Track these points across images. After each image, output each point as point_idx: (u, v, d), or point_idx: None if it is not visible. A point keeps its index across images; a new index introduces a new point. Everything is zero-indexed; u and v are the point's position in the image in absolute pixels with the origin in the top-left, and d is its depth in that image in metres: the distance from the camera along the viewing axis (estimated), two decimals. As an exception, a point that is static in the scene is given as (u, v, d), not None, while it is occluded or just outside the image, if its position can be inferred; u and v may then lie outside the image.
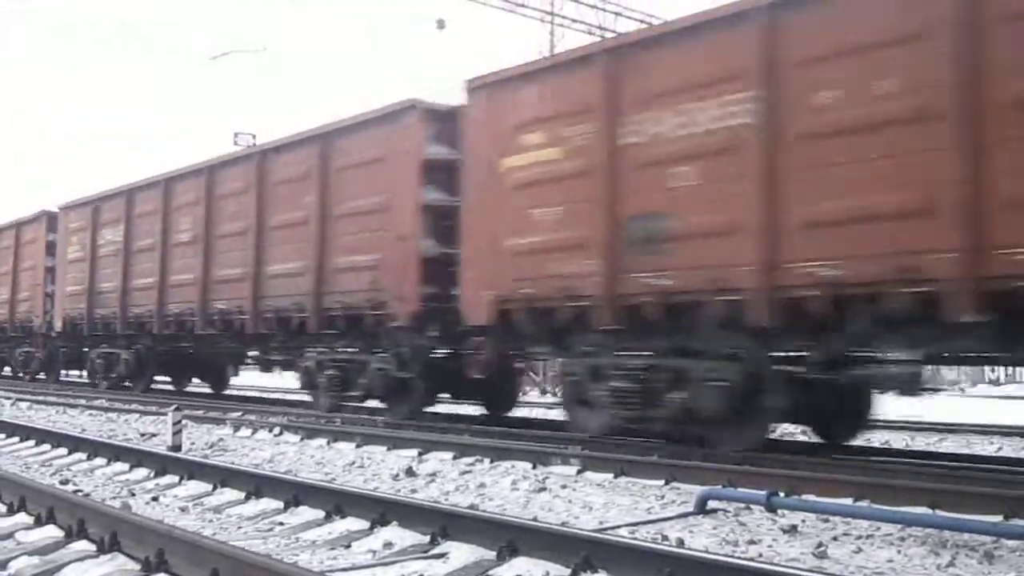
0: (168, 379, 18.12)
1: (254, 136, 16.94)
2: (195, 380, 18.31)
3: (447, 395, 12.06)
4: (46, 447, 8.62)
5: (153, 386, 17.29)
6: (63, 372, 20.51)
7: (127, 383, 17.09)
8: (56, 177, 65.37)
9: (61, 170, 68.73)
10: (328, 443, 9.36)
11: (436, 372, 11.23)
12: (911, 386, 7.19)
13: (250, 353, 14.85)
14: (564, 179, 9.05)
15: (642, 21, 24.33)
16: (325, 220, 12.11)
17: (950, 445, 10.21)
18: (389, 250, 11.13)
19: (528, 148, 9.37)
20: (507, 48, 37.07)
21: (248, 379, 18.72)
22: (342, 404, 12.08)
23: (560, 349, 9.47)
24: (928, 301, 6.56)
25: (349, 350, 11.97)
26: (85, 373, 19.01)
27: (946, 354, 7.59)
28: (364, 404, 11.99)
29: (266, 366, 14.19)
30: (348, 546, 4.60)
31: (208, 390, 17.85)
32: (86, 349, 18.41)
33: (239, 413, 12.14)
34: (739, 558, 4.25)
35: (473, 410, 12.39)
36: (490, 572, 4.05)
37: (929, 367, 7.69)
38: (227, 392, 17.70)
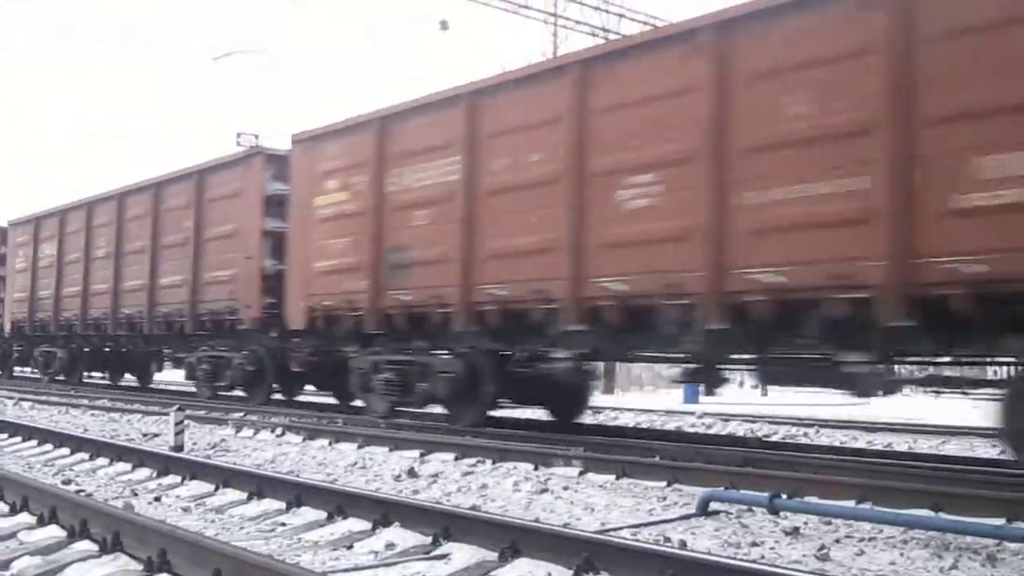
0: (101, 374, 20.62)
1: (256, 136, 16.95)
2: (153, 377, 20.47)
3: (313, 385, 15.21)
4: (48, 447, 8.63)
5: (98, 381, 20.10)
6: (16, 368, 22.91)
7: (63, 377, 19.70)
8: (56, 177, 65.55)
9: (61, 170, 68.95)
10: (330, 444, 9.36)
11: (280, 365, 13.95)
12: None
13: (150, 350, 17.77)
14: (350, 217, 11.72)
15: (645, 23, 24.36)
16: (199, 242, 15.14)
17: (953, 448, 10.21)
18: (241, 268, 14.06)
19: (329, 191, 12.12)
20: (509, 49, 37.06)
21: (176, 375, 19.66)
22: (216, 393, 14.96)
23: (363, 348, 11.75)
24: (550, 314, 9.35)
25: (219, 349, 14.76)
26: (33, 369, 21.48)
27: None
28: (232, 392, 14.92)
29: (159, 363, 17.77)
30: (350, 547, 4.60)
31: (137, 384, 20.11)
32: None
33: (241, 414, 12.17)
34: (741, 560, 4.25)
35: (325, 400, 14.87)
36: (492, 573, 4.05)
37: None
38: (151, 386, 19.88)
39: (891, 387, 7.75)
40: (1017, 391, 7.02)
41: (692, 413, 14.88)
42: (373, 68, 59.97)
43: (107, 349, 18.98)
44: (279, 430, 10.32)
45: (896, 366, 7.91)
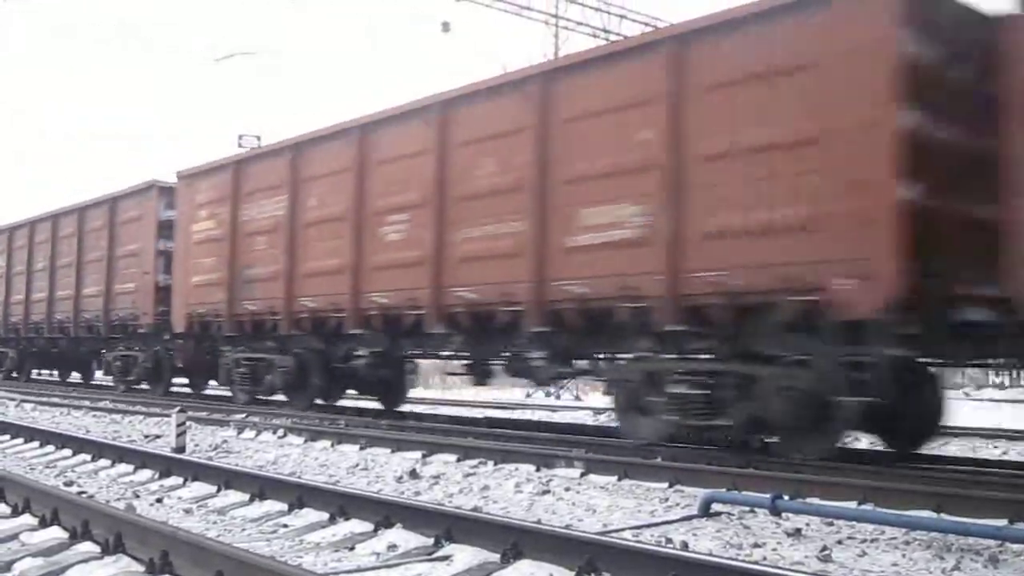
0: (48, 372, 23.24)
1: (258, 138, 17.02)
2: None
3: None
4: (50, 448, 8.64)
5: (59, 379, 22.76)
6: None
7: (14, 374, 22.49)
8: (56, 178, 65.66)
9: (61, 170, 69.04)
10: (332, 445, 9.37)
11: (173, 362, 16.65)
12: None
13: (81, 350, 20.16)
14: (215, 241, 14.33)
15: (646, 24, 24.36)
16: (111, 259, 17.90)
17: (955, 449, 10.19)
18: (141, 281, 16.84)
19: (201, 219, 14.80)
20: (511, 50, 37.05)
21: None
22: (131, 387, 17.57)
23: (232, 348, 14.27)
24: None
25: (129, 349, 17.60)
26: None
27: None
28: (139, 386, 17.52)
29: (99, 362, 20.02)
30: (352, 548, 4.61)
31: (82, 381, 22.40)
32: None
33: (243, 415, 12.19)
34: (743, 561, 4.25)
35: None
36: (494, 574, 4.05)
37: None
38: (93, 383, 21.83)
39: (557, 380, 11.71)
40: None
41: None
42: (374, 69, 60.10)
43: (55, 350, 21.04)
44: (281, 432, 10.32)
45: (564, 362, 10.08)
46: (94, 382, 21.79)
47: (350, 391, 13.88)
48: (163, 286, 16.12)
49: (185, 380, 17.52)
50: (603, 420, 12.53)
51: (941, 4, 7.61)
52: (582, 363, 10.06)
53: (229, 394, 14.75)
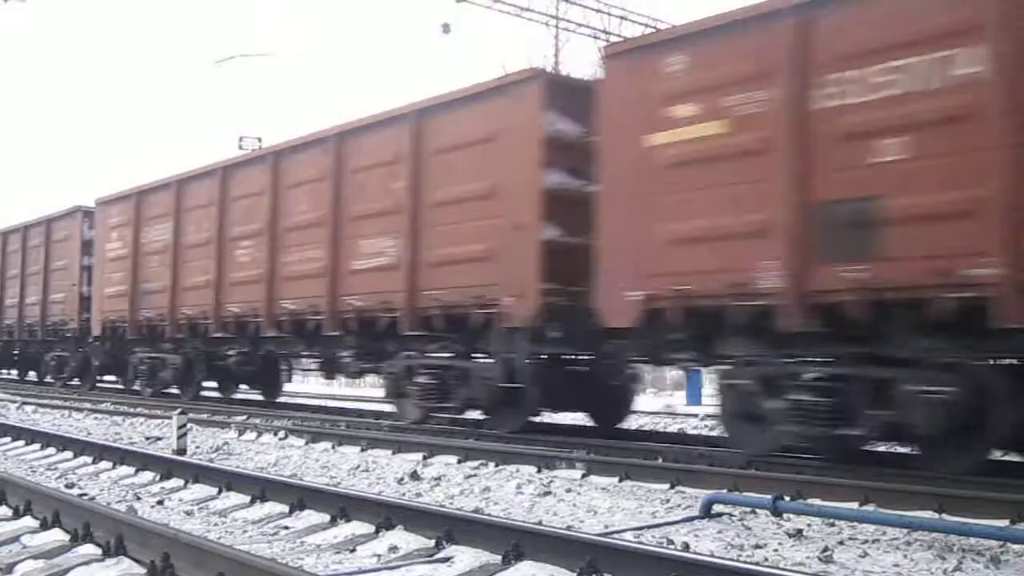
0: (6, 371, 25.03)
1: (260, 140, 17.08)
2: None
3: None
4: (51, 450, 8.64)
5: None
6: None
7: None
8: (57, 179, 65.75)
9: (62, 172, 69.17)
10: (333, 447, 9.37)
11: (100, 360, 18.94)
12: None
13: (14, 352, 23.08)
14: (122, 259, 17.19)
15: (647, 25, 24.36)
16: (47, 272, 20.48)
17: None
18: (69, 292, 19.52)
19: (113, 240, 17.65)
20: (512, 52, 37.06)
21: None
22: (65, 383, 20.01)
23: (142, 348, 16.89)
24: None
25: (62, 351, 20.30)
26: None
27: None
28: (72, 382, 20.06)
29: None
30: (353, 550, 4.60)
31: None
32: None
33: (244, 417, 12.19)
34: (745, 562, 4.25)
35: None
36: (495, 576, 4.05)
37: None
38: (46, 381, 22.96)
39: (359, 375, 13.11)
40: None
41: (695, 415, 14.87)
42: (374, 71, 60.10)
43: (15, 352, 23.44)
44: (282, 433, 10.32)
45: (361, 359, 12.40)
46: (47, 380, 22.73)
47: (243, 385, 16.59)
48: (86, 296, 18.86)
49: (110, 377, 19.69)
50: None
51: (571, 87, 10.35)
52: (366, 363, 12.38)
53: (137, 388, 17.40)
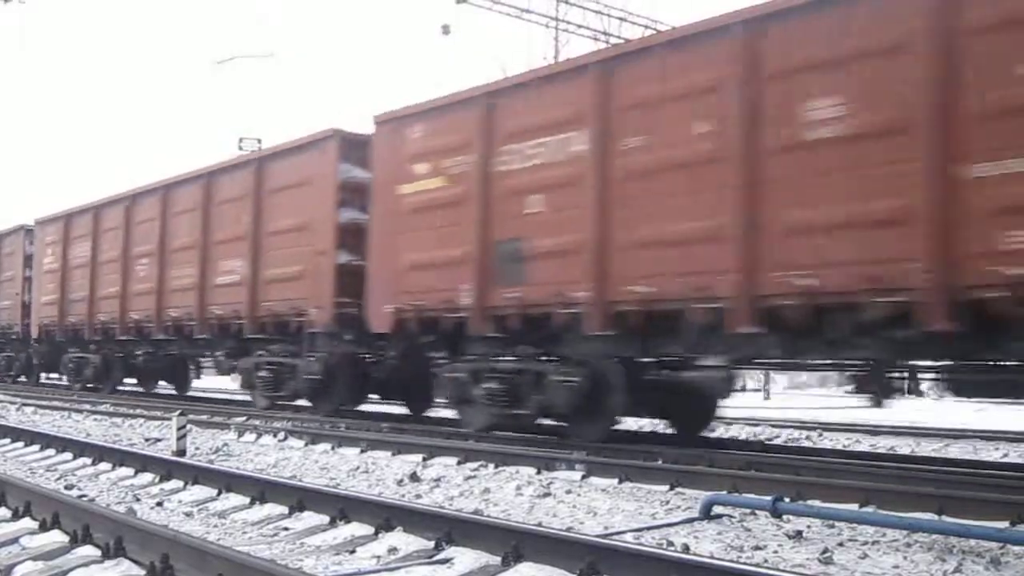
0: None
1: (259, 141, 17.12)
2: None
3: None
4: (51, 452, 8.63)
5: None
6: None
7: None
8: (57, 181, 65.72)
9: (62, 174, 69.16)
10: (332, 448, 9.36)
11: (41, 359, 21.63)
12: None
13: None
14: (54, 272, 19.71)
15: (646, 27, 24.37)
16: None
17: (956, 451, 10.19)
18: (14, 300, 22.07)
19: (48, 255, 20.18)
20: (512, 53, 37.05)
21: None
22: (12, 380, 22.62)
23: (72, 349, 19.46)
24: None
25: (8, 351, 23.17)
26: None
27: None
28: (19, 379, 22.65)
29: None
30: (353, 551, 4.60)
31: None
32: None
33: (244, 418, 12.19)
34: (744, 564, 4.25)
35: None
36: (495, 577, 4.05)
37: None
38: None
39: (229, 372, 15.22)
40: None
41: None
42: (375, 72, 60.04)
43: None
44: (282, 435, 10.32)
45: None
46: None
47: (162, 382, 19.22)
48: (28, 303, 21.44)
49: (52, 374, 22.07)
50: None
51: (362, 141, 12.16)
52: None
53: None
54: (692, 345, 8.32)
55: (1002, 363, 7.21)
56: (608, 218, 8.77)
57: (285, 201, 13.32)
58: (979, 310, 6.59)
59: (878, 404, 8.81)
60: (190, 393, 19.05)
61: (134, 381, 18.81)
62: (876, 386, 8.57)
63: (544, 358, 9.73)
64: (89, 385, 18.71)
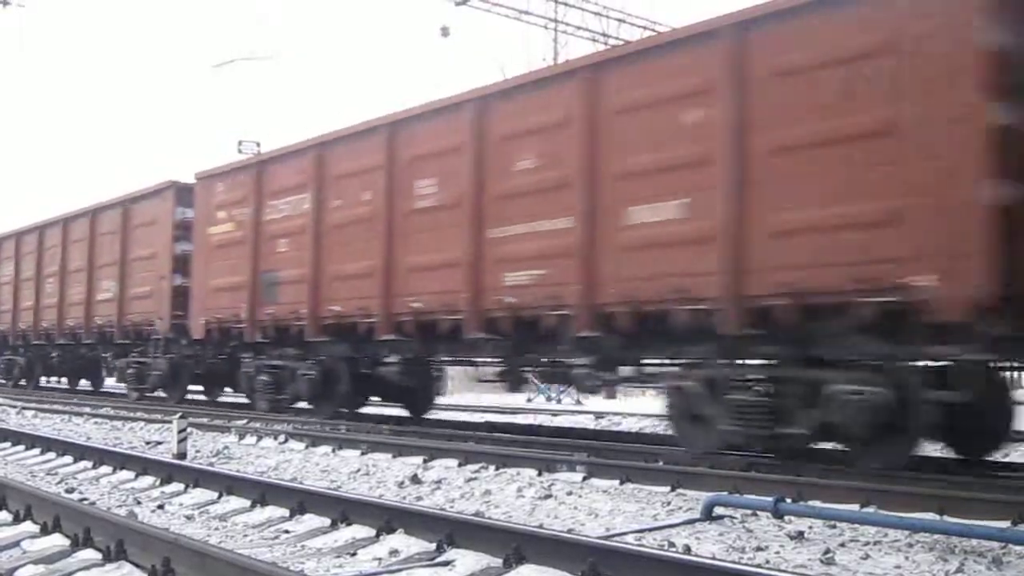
0: None
1: (258, 144, 17.09)
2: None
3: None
4: (51, 455, 8.63)
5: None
6: None
7: None
8: (58, 183, 65.73)
9: (63, 176, 69.17)
10: (333, 450, 9.35)
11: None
12: None
13: None
14: (6, 284, 22.56)
15: (645, 28, 24.38)
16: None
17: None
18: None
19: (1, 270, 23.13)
20: (511, 54, 37.07)
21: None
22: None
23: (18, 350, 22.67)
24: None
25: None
26: None
27: None
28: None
29: None
30: (354, 554, 4.60)
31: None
32: None
33: (244, 420, 12.18)
34: (746, 565, 4.25)
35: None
36: (496, 579, 4.05)
37: None
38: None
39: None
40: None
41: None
42: (375, 74, 60.14)
43: None
44: (282, 437, 10.32)
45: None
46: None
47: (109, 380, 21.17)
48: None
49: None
50: None
51: (192, 189, 15.52)
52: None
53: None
54: (372, 350, 11.99)
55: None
56: (319, 257, 12.30)
57: (142, 236, 17.13)
58: (493, 323, 10.05)
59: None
60: (188, 397, 18.56)
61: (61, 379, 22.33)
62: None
63: (300, 359, 12.96)
64: (21, 383, 21.87)
